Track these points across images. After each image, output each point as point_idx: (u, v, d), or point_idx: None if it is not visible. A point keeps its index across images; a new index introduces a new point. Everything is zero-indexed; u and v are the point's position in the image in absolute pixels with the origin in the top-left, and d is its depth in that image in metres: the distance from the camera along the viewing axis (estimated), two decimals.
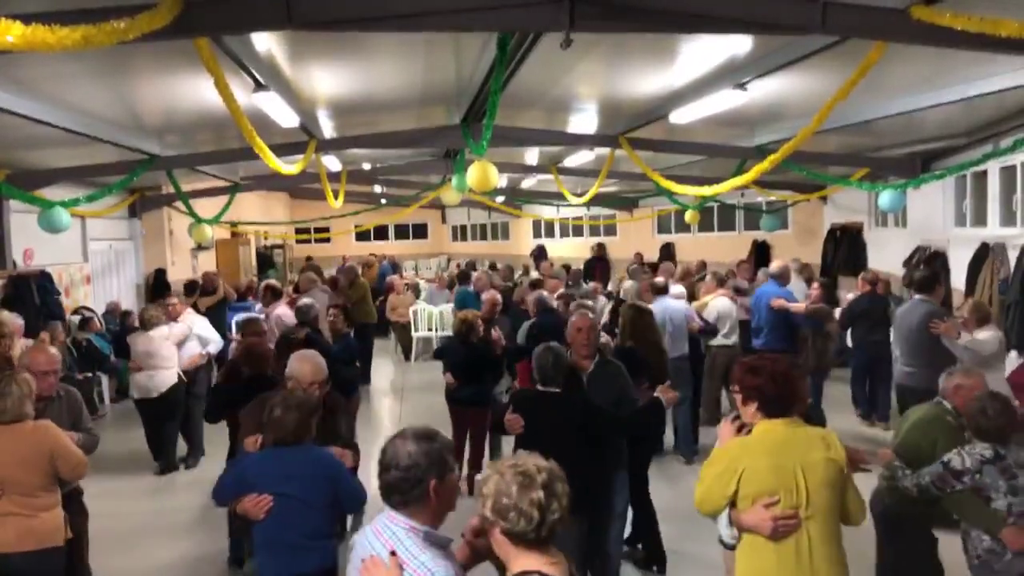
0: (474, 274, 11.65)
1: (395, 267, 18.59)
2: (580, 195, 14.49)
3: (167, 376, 7.33)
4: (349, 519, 5.23)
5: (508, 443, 4.74)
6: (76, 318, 10.22)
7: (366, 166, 14.67)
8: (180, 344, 7.59)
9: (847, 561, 2.98)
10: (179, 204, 12.33)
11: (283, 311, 8.35)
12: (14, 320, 6.67)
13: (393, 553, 2.20)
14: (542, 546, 2.08)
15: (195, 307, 10.21)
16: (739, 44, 5.73)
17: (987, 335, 5.87)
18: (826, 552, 2.89)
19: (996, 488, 3.53)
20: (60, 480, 3.94)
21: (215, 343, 8.05)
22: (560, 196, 14.84)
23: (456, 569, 2.28)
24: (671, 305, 7.46)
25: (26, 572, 3.78)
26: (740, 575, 3.04)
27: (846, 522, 3.00)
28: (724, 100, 6.90)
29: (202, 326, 8.03)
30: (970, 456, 3.61)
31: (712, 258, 15.12)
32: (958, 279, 9.21)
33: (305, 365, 3.97)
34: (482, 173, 7.81)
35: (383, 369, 12.43)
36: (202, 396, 7.87)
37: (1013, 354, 7.29)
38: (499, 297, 7.98)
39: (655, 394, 4.29)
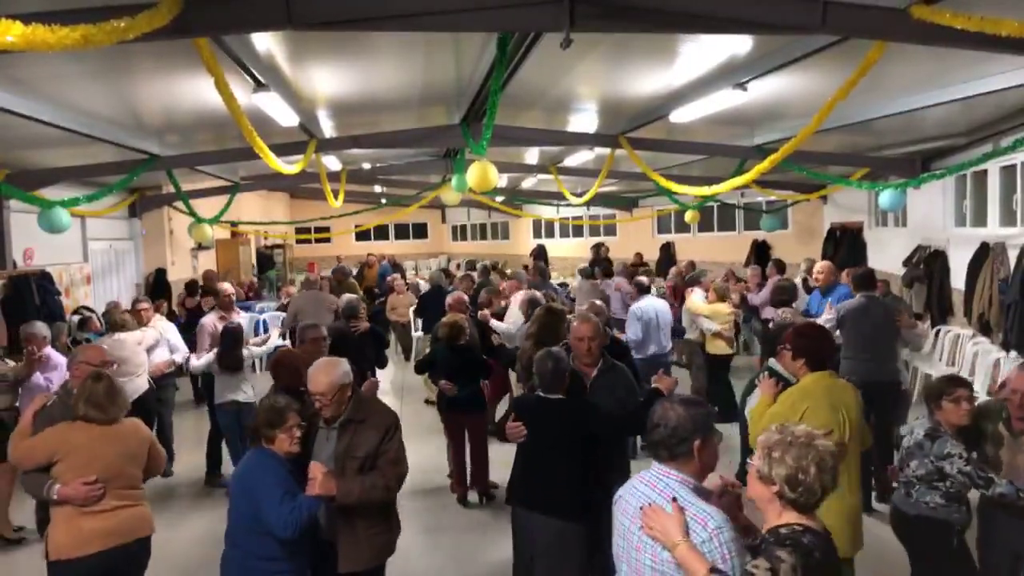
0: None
1: (395, 267, 18.60)
2: (580, 195, 14.50)
3: (139, 383, 6.97)
4: None
5: (497, 450, 4.69)
6: (76, 318, 10.22)
7: (366, 166, 14.67)
8: (149, 350, 7.32)
9: None
10: (179, 204, 12.33)
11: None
12: (44, 329, 6.49)
13: (674, 499, 2.48)
14: (808, 511, 2.34)
15: (199, 307, 10.20)
16: (739, 44, 5.73)
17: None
18: (856, 473, 3.78)
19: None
20: None
21: (182, 352, 7.70)
22: (560, 196, 14.85)
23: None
24: (657, 304, 7.87)
25: (136, 560, 3.90)
26: None
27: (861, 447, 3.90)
28: (724, 100, 6.90)
29: (172, 332, 7.81)
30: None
31: (712, 258, 15.15)
32: (958, 279, 9.21)
33: (318, 374, 3.64)
34: (482, 173, 7.81)
35: (383, 369, 12.41)
36: (170, 402, 7.81)
37: (1013, 354, 7.29)
38: (466, 297, 8.06)
39: (653, 384, 4.21)
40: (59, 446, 3.74)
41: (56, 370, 6.17)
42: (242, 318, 7.81)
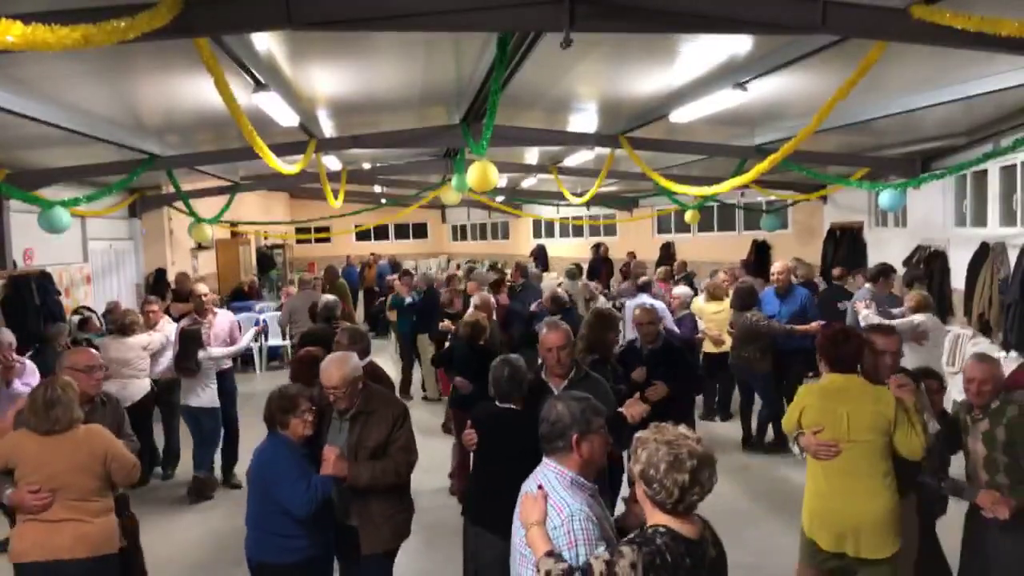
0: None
1: (395, 267, 18.60)
2: (580, 195, 14.50)
3: (141, 385, 6.94)
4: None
5: None
6: (75, 318, 10.21)
7: (366, 166, 14.67)
8: (158, 354, 7.27)
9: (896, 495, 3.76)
10: (179, 204, 12.32)
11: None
12: (8, 335, 6.24)
13: (540, 487, 2.63)
14: (677, 514, 2.32)
15: (167, 311, 9.58)
16: (739, 44, 5.73)
17: (920, 318, 6.73)
18: (868, 479, 3.71)
19: None
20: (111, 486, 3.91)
21: None
22: (560, 196, 14.85)
23: (596, 511, 2.59)
24: (647, 302, 7.92)
25: None
26: (807, 482, 3.97)
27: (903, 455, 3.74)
28: (724, 100, 6.90)
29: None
30: None
31: (712, 258, 15.13)
32: (958, 279, 9.21)
33: (330, 367, 3.79)
34: (482, 173, 7.80)
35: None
36: (176, 404, 7.64)
37: (1013, 354, 7.29)
38: (492, 298, 8.08)
39: (619, 408, 3.98)
40: (11, 452, 3.72)
41: (33, 375, 5.94)
42: (220, 320, 7.34)
